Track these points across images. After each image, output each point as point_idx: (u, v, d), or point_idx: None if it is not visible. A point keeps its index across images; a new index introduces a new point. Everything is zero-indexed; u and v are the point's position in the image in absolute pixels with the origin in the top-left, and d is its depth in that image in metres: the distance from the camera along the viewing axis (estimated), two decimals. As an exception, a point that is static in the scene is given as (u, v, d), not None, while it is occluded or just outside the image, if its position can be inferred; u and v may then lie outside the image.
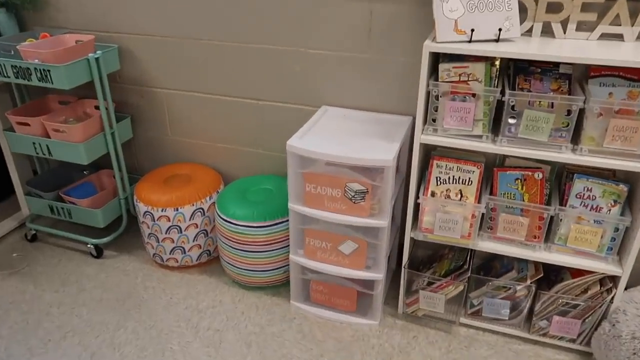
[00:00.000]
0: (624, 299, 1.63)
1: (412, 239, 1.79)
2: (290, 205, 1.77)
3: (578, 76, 1.58)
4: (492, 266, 1.89)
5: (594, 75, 1.52)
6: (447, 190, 1.70)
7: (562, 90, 1.53)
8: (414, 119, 1.88)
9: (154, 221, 2.04)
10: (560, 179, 1.72)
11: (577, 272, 1.69)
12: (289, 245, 1.89)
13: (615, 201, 1.57)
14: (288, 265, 1.94)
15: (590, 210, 1.59)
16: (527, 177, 1.65)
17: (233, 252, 1.97)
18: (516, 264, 1.81)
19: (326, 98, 1.99)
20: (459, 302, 1.81)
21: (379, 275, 1.78)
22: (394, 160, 1.59)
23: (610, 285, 1.64)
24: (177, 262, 2.14)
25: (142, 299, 2.02)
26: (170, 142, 2.34)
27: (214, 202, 2.08)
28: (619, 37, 1.51)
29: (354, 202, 1.68)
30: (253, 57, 2.00)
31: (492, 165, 1.75)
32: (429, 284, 1.81)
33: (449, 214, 1.68)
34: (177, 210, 2.01)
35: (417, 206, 1.73)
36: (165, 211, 2.01)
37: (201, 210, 2.06)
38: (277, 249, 1.95)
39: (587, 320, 1.69)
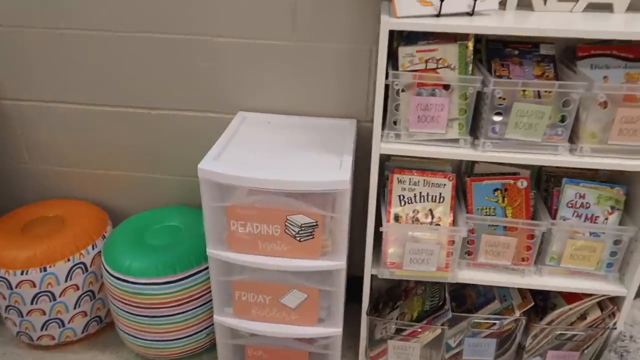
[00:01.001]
0: (627, 321, 1.37)
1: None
2: (209, 252, 1.28)
3: (559, 58, 1.28)
4: (465, 295, 1.55)
5: (582, 56, 1.23)
6: (414, 212, 1.33)
7: (547, 76, 1.23)
8: (359, 122, 1.49)
9: (12, 289, 1.43)
10: (539, 184, 1.43)
11: (571, 296, 1.40)
12: (211, 301, 1.41)
13: (612, 207, 1.29)
14: (212, 325, 1.45)
15: (585, 220, 1.31)
16: (509, 186, 1.33)
17: (132, 319, 1.43)
18: (496, 291, 1.49)
19: (242, 102, 1.53)
20: (436, 346, 1.45)
21: (336, 329, 1.36)
22: (350, 181, 1.18)
23: (613, 308, 1.37)
24: (55, 339, 1.54)
25: (1, 403, 1.41)
26: (31, 173, 1.72)
27: (100, 252, 1.53)
28: (608, 7, 1.24)
29: (300, 240, 1.24)
30: (141, 50, 1.48)
31: (458, 174, 1.42)
32: (398, 330, 1.43)
33: (421, 242, 1.31)
34: (45, 270, 1.43)
35: (377, 234, 1.34)
36: (27, 274, 1.42)
37: (82, 265, 1.49)
38: (195, 308, 1.45)
39: (586, 352, 1.41)
